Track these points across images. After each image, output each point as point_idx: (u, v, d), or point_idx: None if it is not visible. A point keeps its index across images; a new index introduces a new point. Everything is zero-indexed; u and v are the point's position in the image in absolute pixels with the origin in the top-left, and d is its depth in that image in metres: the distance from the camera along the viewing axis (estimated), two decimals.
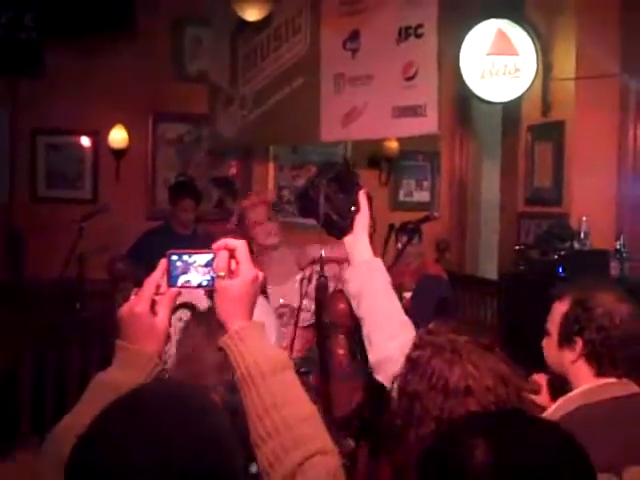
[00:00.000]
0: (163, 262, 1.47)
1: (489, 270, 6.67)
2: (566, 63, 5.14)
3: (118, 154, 6.77)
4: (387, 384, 1.82)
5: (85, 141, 6.90)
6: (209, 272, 1.45)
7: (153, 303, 1.46)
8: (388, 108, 5.21)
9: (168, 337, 1.51)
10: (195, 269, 1.46)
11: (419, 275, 5.14)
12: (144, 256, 5.19)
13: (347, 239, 1.83)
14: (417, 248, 5.32)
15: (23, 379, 4.46)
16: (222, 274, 1.42)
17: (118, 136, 6.75)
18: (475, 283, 6.42)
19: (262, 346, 1.39)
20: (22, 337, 4.59)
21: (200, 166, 7.04)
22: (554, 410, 2.01)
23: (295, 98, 5.88)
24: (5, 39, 6.41)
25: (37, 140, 6.78)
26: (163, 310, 1.47)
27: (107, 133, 6.75)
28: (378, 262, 1.81)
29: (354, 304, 1.79)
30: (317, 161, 7.18)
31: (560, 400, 2.05)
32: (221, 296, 1.43)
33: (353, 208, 1.79)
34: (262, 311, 3.25)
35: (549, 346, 2.18)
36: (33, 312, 5.57)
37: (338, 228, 1.81)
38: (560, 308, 2.13)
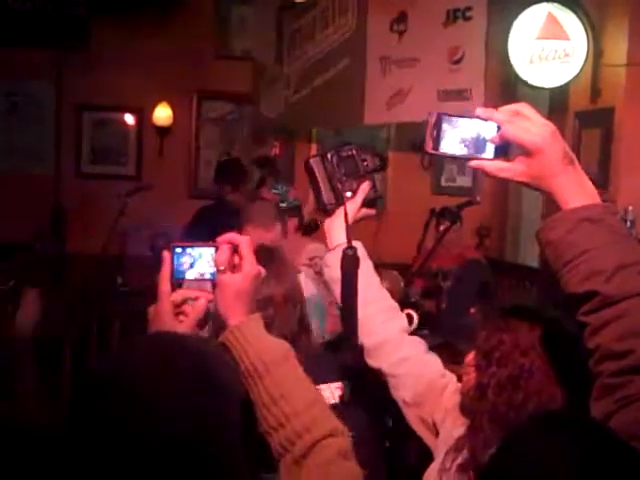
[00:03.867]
0: (167, 256, 1.45)
1: (530, 257, 6.60)
2: (617, 49, 5.04)
3: (162, 132, 6.82)
4: (385, 367, 1.81)
5: (129, 118, 6.95)
6: (213, 265, 1.44)
7: (179, 312, 1.44)
8: (433, 91, 5.17)
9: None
10: (199, 262, 1.45)
11: (460, 260, 5.10)
12: (203, 233, 5.20)
13: (326, 222, 1.79)
14: (458, 233, 5.29)
15: (66, 351, 4.54)
16: (222, 268, 1.42)
17: (162, 114, 6.79)
18: (515, 270, 6.36)
19: (263, 339, 1.40)
20: (65, 310, 4.66)
21: (243, 145, 7.06)
22: None
23: (340, 80, 5.85)
24: (53, 14, 6.47)
25: (83, 116, 6.84)
26: (189, 319, 1.44)
27: (152, 110, 6.80)
28: (359, 246, 1.72)
29: (335, 290, 1.72)
30: (360, 143, 7.16)
31: None
32: (221, 290, 1.42)
33: (349, 194, 1.72)
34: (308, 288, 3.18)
35: None
36: (75, 285, 5.65)
37: (322, 207, 1.76)
38: None
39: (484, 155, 1.28)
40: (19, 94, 6.75)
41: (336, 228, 1.74)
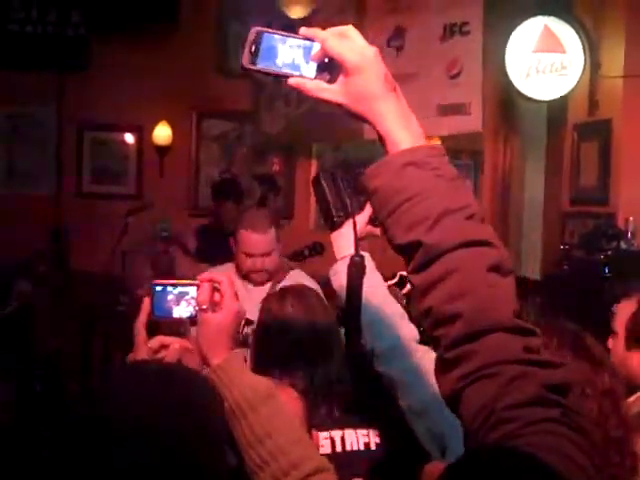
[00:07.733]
0: (147, 302, 1.49)
1: (532, 270, 6.59)
2: (614, 61, 5.06)
3: (162, 150, 6.83)
4: (393, 374, 1.80)
5: (129, 137, 6.97)
6: (193, 303, 1.46)
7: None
8: (432, 106, 5.19)
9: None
10: (179, 300, 1.47)
11: None
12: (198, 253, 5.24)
13: (334, 234, 1.80)
14: None
15: (68, 372, 4.53)
16: (204, 307, 1.44)
17: (162, 132, 6.81)
18: (517, 283, 6.34)
19: (246, 377, 1.42)
20: (67, 329, 4.65)
21: (243, 163, 7.07)
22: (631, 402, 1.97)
23: None
24: (53, 35, 6.51)
25: (84, 135, 6.86)
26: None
27: (151, 129, 6.81)
28: (367, 256, 1.73)
29: (343, 298, 1.72)
30: (359, 158, 7.17)
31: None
32: (203, 328, 1.44)
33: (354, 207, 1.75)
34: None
35: (616, 347, 2.12)
36: (77, 305, 5.65)
37: (330, 220, 1.78)
38: (628, 307, 2.07)
39: (305, 74, 1.21)
40: (20, 116, 6.78)
41: (344, 239, 1.75)
